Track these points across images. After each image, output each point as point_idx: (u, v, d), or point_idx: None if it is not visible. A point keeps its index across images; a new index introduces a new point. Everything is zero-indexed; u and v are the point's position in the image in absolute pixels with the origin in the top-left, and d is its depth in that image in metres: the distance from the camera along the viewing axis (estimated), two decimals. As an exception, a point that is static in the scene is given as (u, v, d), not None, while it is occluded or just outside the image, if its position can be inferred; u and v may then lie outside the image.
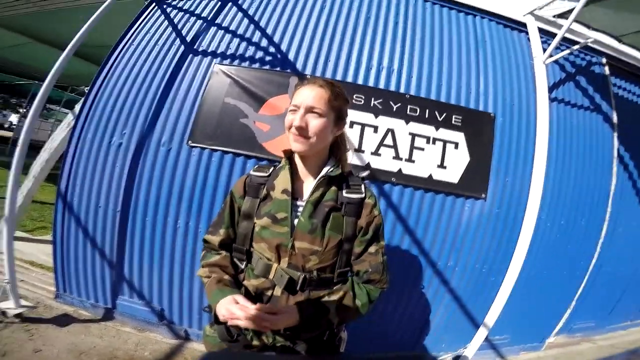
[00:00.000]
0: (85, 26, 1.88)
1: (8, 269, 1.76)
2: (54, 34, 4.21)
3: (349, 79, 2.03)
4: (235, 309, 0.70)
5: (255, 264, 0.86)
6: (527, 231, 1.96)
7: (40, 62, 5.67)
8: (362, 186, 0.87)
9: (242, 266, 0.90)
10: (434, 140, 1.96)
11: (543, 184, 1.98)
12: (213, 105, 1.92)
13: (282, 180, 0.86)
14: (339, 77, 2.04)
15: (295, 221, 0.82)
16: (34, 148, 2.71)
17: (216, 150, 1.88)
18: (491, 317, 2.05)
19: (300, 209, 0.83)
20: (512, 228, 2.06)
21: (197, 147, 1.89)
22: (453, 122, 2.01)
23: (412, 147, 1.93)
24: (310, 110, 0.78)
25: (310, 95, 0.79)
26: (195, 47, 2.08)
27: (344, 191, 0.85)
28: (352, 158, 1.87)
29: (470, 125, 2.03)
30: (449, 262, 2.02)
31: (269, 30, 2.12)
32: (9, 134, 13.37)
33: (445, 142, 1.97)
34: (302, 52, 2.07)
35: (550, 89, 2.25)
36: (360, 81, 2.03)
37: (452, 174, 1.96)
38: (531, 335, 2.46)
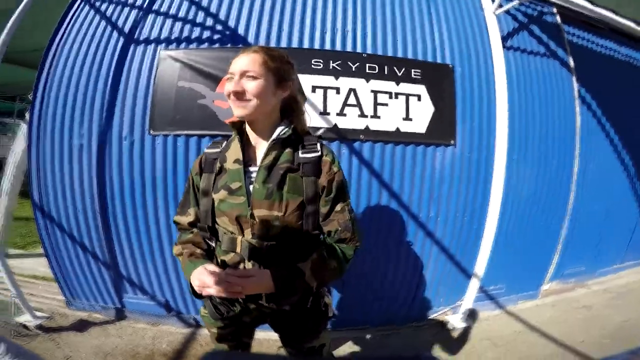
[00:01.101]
0: (7, 29, 1.78)
1: (10, 284, 1.84)
2: None
3: (306, 44, 2.01)
4: (205, 277, 0.72)
5: (222, 239, 0.85)
6: (500, 172, 2.01)
7: None
8: (318, 145, 0.85)
9: (212, 244, 0.89)
10: (396, 95, 1.97)
11: (508, 126, 2.03)
12: (167, 91, 1.87)
13: (234, 151, 0.85)
14: (295, 44, 2.01)
15: (251, 188, 0.81)
16: None
17: (179, 135, 1.85)
18: (480, 266, 2.07)
19: (254, 175, 0.81)
20: (486, 171, 2.11)
21: (159, 134, 1.85)
22: (413, 76, 2.02)
23: (376, 104, 1.94)
24: (244, 74, 0.77)
25: (243, 61, 0.78)
26: (135, 37, 1.99)
27: (299, 152, 0.83)
28: (317, 120, 1.86)
29: (430, 77, 2.05)
30: (430, 213, 2.06)
31: (212, 8, 2.03)
32: None
33: (407, 95, 1.99)
34: (252, 24, 2.01)
35: (504, 39, 2.29)
36: (316, 46, 2.01)
37: (419, 124, 1.98)
38: (525, 284, 2.50)
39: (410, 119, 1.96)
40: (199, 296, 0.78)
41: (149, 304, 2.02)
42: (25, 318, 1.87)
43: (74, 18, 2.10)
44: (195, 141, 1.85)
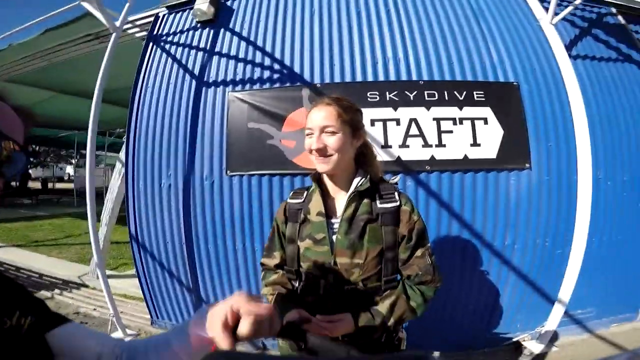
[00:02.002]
0: (101, 73, 2.07)
1: (110, 304, 2.08)
2: (72, 83, 4.56)
3: (358, 77, 2.06)
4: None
5: (306, 282, 0.91)
6: (585, 194, 1.81)
7: (71, 112, 6.20)
8: (396, 193, 0.88)
9: (296, 284, 0.96)
10: (461, 120, 1.90)
11: (590, 141, 1.84)
12: (239, 132, 2.04)
13: (315, 203, 0.90)
14: (347, 78, 2.07)
15: (334, 238, 0.86)
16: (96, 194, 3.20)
17: (253, 175, 1.99)
18: (565, 291, 1.89)
19: (336, 226, 0.87)
20: (569, 194, 1.91)
21: (235, 175, 2.02)
22: (476, 98, 1.94)
23: (440, 132, 1.89)
24: (323, 130, 0.81)
25: (320, 115, 0.82)
26: (205, 79, 2.23)
27: (377, 202, 0.87)
28: (380, 155, 1.85)
29: (495, 98, 1.95)
30: (506, 241, 1.91)
31: (268, 49, 2.21)
32: (70, 185, 15.31)
33: (472, 120, 1.90)
34: (306, 63, 2.14)
35: (568, 48, 2.13)
36: (370, 78, 2.05)
37: (488, 149, 1.87)
38: (620, 306, 2.20)
39: (479, 145, 1.86)
40: (286, 336, 0.84)
41: None
42: (118, 335, 2.07)
43: (150, 60, 2.43)
44: (267, 180, 1.98)
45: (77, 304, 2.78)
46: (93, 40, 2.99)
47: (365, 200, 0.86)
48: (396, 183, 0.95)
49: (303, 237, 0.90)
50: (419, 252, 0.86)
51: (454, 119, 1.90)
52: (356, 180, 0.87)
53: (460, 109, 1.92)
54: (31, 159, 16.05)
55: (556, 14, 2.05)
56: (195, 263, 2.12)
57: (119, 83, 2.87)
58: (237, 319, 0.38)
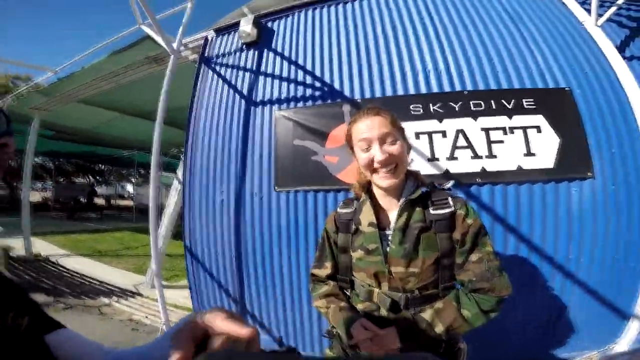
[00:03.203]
0: (163, 95, 2.27)
1: (163, 313, 2.23)
2: (133, 105, 4.97)
3: (400, 92, 2.08)
4: (363, 333, 0.80)
5: (359, 290, 0.91)
6: None
7: (132, 133, 6.78)
8: (449, 199, 0.85)
9: (348, 293, 0.96)
10: (511, 129, 1.84)
11: None
12: (285, 149, 2.15)
13: (366, 214, 0.90)
14: (388, 92, 2.10)
15: (387, 249, 0.85)
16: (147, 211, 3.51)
17: (299, 191, 2.07)
18: None
19: (390, 236, 0.86)
20: (638, 198, 1.75)
21: (282, 191, 2.11)
22: (526, 106, 1.87)
23: (490, 142, 1.84)
24: (385, 139, 0.79)
25: (374, 125, 0.79)
26: (253, 98, 2.39)
27: (430, 209, 0.84)
28: (426, 168, 1.85)
29: (547, 105, 1.86)
30: (570, 255, 1.78)
31: (309, 67, 2.33)
32: (130, 202, 16.90)
33: (524, 128, 1.83)
34: (345, 78, 2.23)
35: (620, 49, 2.00)
36: (412, 91, 2.06)
37: (544, 159, 1.79)
38: None
39: (533, 154, 1.79)
40: (352, 346, 0.84)
41: (265, 338, 2.18)
42: None
43: (202, 81, 2.64)
44: (312, 196, 2.05)
45: (131, 311, 2.98)
46: (151, 63, 3.30)
47: (418, 209, 0.85)
48: (449, 188, 0.91)
49: (355, 247, 0.90)
50: (474, 257, 0.81)
51: (503, 129, 1.84)
52: (407, 189, 0.86)
53: (510, 117, 1.86)
54: (97, 177, 17.74)
55: (599, 15, 1.96)
56: (243, 275, 2.23)
57: (173, 104, 3.12)
58: (205, 334, 0.34)
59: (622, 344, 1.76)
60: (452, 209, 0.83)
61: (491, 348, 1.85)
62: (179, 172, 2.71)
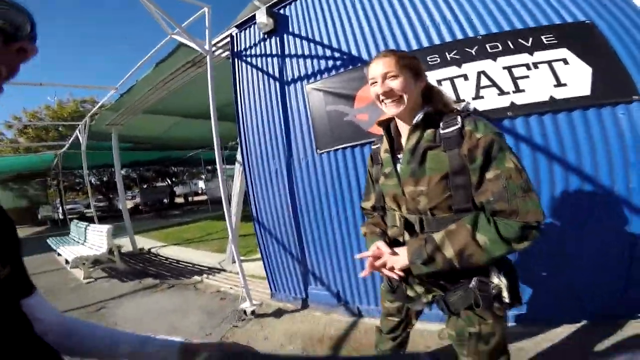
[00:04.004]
0: (211, 94, 2.59)
1: (243, 281, 2.59)
2: (187, 108, 5.27)
3: (414, 46, 2.14)
4: (370, 256, 0.91)
5: (388, 216, 1.00)
6: None
7: (194, 133, 7.33)
8: (458, 117, 0.83)
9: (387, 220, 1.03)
10: (535, 65, 1.80)
11: None
12: (320, 116, 2.40)
13: (384, 144, 0.99)
14: (403, 48, 2.15)
15: (399, 169, 0.91)
16: (219, 201, 4.12)
17: (337, 150, 2.32)
18: None
19: (401, 158, 0.92)
20: None
21: (323, 152, 2.39)
22: (546, 42, 1.80)
23: (514, 79, 1.83)
24: (385, 76, 0.85)
25: (379, 65, 0.86)
26: (285, 79, 2.64)
27: (440, 129, 0.85)
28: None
29: (569, 38, 1.77)
30: (630, 184, 1.65)
31: (326, 42, 2.49)
32: (204, 197, 19.69)
33: (549, 62, 1.77)
34: (361, 44, 2.34)
35: None
36: (425, 44, 2.10)
37: (579, 87, 1.71)
38: None
39: (565, 84, 1.73)
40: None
41: (325, 294, 2.43)
42: (246, 305, 2.54)
43: (239, 75, 2.94)
44: (350, 152, 2.28)
45: (219, 284, 3.44)
46: (192, 67, 3.63)
47: (429, 130, 0.86)
48: (462, 110, 0.87)
49: (379, 175, 1.00)
50: (490, 175, 0.75)
51: (527, 65, 1.81)
52: (418, 115, 0.88)
53: (531, 54, 1.81)
54: (174, 179, 20.36)
55: None
56: (302, 236, 2.52)
57: (222, 100, 3.26)
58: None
59: None
60: (459, 125, 0.81)
61: (563, 300, 1.75)
62: (239, 156, 3.12)
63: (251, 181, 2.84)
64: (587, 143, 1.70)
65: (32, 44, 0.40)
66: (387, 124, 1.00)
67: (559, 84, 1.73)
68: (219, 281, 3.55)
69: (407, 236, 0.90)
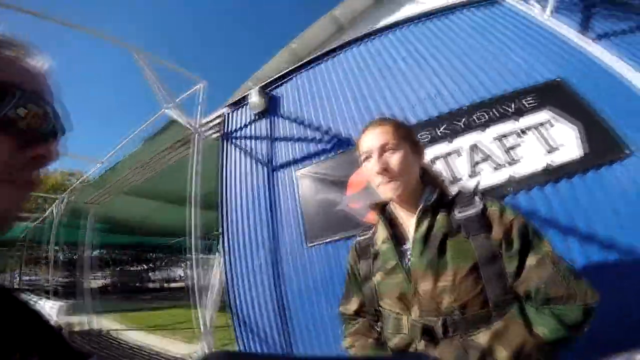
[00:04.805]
0: (194, 178, 2.55)
1: None
2: (171, 192, 5.02)
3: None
4: None
5: (387, 322, 0.79)
6: None
7: (176, 220, 6.81)
8: (476, 197, 0.75)
9: (378, 328, 0.85)
10: (523, 131, 1.83)
11: None
12: (310, 204, 2.26)
13: (381, 232, 0.82)
14: None
15: (409, 263, 0.74)
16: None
17: (329, 242, 2.13)
18: None
19: (409, 250, 0.76)
20: None
21: (314, 245, 2.18)
22: (527, 106, 1.88)
23: (507, 149, 1.82)
24: (383, 149, 0.74)
25: (375, 136, 0.76)
26: (274, 163, 2.59)
27: (455, 212, 0.74)
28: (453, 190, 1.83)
29: (546, 99, 1.87)
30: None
31: (316, 123, 2.54)
32: (181, 284, 17.98)
33: (535, 126, 1.81)
34: (350, 125, 2.40)
35: (582, 32, 2.08)
36: (413, 121, 2.17)
37: (570, 150, 1.71)
38: None
39: (557, 148, 1.73)
40: None
41: None
42: None
43: (226, 159, 2.86)
44: (343, 243, 2.09)
45: None
46: (181, 147, 3.50)
47: (441, 215, 0.74)
48: (474, 190, 0.79)
49: (375, 271, 0.81)
50: (532, 260, 0.66)
51: (515, 132, 1.83)
52: (424, 197, 0.76)
53: (517, 120, 1.86)
54: (150, 265, 19.28)
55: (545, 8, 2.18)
56: (289, 331, 2.21)
57: (210, 187, 3.05)
58: None
59: None
60: (481, 206, 0.72)
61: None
62: (220, 247, 2.91)
63: (232, 274, 2.54)
64: (594, 208, 1.62)
65: (54, 145, 0.32)
66: (382, 207, 0.86)
67: (551, 148, 1.73)
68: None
69: (421, 344, 0.71)
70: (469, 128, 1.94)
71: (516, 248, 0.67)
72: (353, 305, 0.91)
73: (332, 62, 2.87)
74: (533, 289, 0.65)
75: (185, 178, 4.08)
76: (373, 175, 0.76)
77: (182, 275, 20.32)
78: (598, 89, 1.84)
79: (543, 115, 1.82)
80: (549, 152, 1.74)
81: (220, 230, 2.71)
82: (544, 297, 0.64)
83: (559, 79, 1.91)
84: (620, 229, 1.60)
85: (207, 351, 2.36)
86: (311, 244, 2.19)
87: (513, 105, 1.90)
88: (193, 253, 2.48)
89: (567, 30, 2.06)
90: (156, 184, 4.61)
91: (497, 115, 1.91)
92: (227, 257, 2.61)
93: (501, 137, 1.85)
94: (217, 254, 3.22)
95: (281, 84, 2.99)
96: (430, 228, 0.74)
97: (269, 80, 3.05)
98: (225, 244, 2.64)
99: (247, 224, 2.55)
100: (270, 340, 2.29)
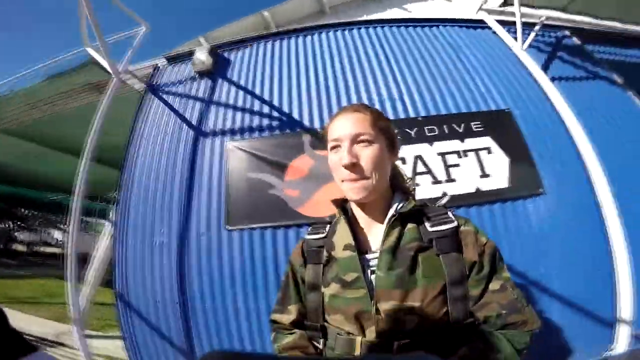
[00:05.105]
0: (95, 126, 2.05)
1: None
2: (66, 139, 4.30)
3: None
4: None
5: (334, 341, 0.69)
6: (610, 209, 1.77)
7: (62, 173, 5.63)
8: (449, 213, 0.68)
9: (320, 345, 0.73)
10: (465, 152, 1.90)
11: (598, 156, 1.87)
12: (238, 183, 1.96)
13: (342, 235, 0.71)
14: None
15: (372, 278, 0.65)
16: (81, 260, 3.13)
17: (255, 229, 1.86)
18: (625, 310, 1.73)
19: (374, 262, 0.66)
20: (591, 212, 1.83)
21: (235, 229, 1.88)
22: (474, 129, 1.97)
23: (447, 167, 1.86)
24: (356, 139, 0.64)
25: (349, 122, 0.65)
26: (203, 129, 2.22)
27: (427, 225, 0.67)
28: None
29: (492, 126, 1.98)
30: (541, 269, 1.77)
31: (267, 97, 2.27)
32: (56, 249, 14.80)
33: (476, 150, 1.90)
34: (304, 108, 2.19)
35: (544, 70, 2.28)
36: None
37: (499, 179, 1.84)
38: None
39: (488, 175, 1.83)
40: None
41: None
42: None
43: (146, 113, 2.41)
44: (271, 233, 1.85)
45: None
46: (92, 90, 2.92)
47: (410, 225, 0.67)
48: (445, 205, 0.74)
49: (328, 281, 0.70)
50: (495, 285, 0.64)
51: (458, 152, 1.89)
52: (395, 203, 0.68)
53: (462, 141, 1.93)
54: (19, 223, 15.52)
55: (523, 41, 2.30)
56: (191, 324, 1.90)
57: (116, 141, 2.70)
58: None
59: (619, 347, 1.73)
60: (455, 223, 0.66)
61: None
62: (112, 213, 2.37)
63: (122, 250, 2.08)
64: (503, 235, 1.77)
65: None
66: (343, 206, 0.74)
67: (483, 174, 1.83)
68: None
69: None
70: (418, 139, 1.94)
71: (485, 272, 0.64)
72: (290, 315, 0.77)
73: (301, 41, 2.63)
74: (494, 313, 0.63)
75: (84, 127, 3.36)
76: (338, 168, 0.65)
77: (60, 239, 17.07)
78: (537, 126, 2.02)
79: (485, 141, 1.92)
80: (481, 177, 1.84)
81: (117, 193, 2.19)
82: (503, 322, 0.62)
83: (507, 110, 2.05)
84: (521, 260, 1.77)
85: (78, 334, 1.90)
86: (231, 228, 1.88)
87: (463, 126, 1.96)
88: (73, 212, 1.93)
89: (532, 66, 2.21)
90: (50, 127, 3.81)
91: (446, 132, 1.94)
92: (120, 226, 2.11)
93: (444, 154, 1.89)
94: (107, 221, 2.66)
95: (237, 48, 2.64)
96: (399, 239, 0.66)
97: (224, 41, 2.68)
98: (121, 211, 2.13)
99: (154, 191, 2.10)
100: (164, 330, 1.93)
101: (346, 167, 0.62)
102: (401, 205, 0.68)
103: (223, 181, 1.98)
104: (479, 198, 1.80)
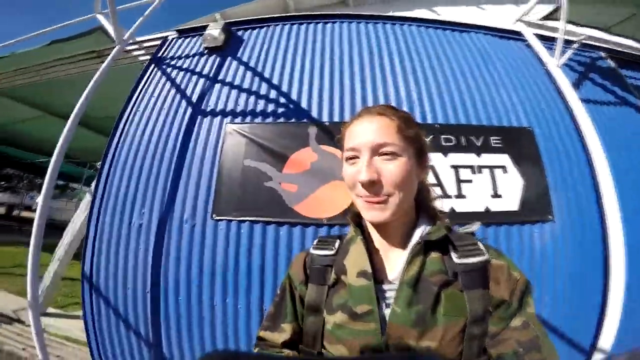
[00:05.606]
0: (87, 91, 1.89)
1: (38, 344, 1.68)
2: (64, 104, 4.11)
3: None
4: None
5: None
6: (618, 247, 1.67)
7: (55, 137, 5.60)
8: (480, 244, 0.59)
9: None
10: (479, 168, 1.78)
11: (615, 187, 1.76)
12: (232, 170, 1.81)
13: (356, 259, 0.61)
14: None
15: (387, 312, 0.56)
16: (60, 228, 2.85)
17: (244, 221, 1.71)
18: (606, 339, 1.67)
19: (390, 294, 0.58)
20: (601, 243, 1.75)
21: (222, 219, 1.72)
22: (493, 144, 1.85)
23: (459, 181, 1.74)
24: (378, 150, 0.54)
25: (371, 128, 0.55)
26: (202, 107, 2.06)
27: (453, 256, 0.58)
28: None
29: (512, 144, 1.87)
30: (545, 297, 1.68)
31: (275, 81, 2.13)
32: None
33: (491, 168, 1.79)
34: (314, 99, 2.04)
35: (575, 89, 2.13)
36: None
37: (510, 201, 1.73)
38: None
39: (500, 196, 1.72)
40: None
41: None
42: None
43: (146, 84, 2.26)
44: (261, 228, 1.70)
45: (3, 340, 2.40)
46: (95, 59, 2.78)
47: (434, 255, 0.58)
48: (473, 233, 0.63)
49: (334, 307, 0.61)
50: (517, 322, 0.56)
51: (472, 167, 1.77)
52: (421, 227, 0.60)
53: (479, 155, 1.81)
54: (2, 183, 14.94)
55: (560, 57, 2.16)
56: (160, 315, 1.76)
57: (114, 110, 2.57)
58: None
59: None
60: (485, 256, 0.57)
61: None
62: (93, 185, 2.19)
63: (97, 226, 1.91)
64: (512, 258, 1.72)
65: None
66: (358, 221, 0.64)
67: (495, 194, 1.72)
68: (7, 336, 2.55)
69: None
70: (432, 147, 1.81)
71: (513, 309, 0.56)
72: (282, 335, 0.67)
73: (320, 28, 2.47)
74: (510, 351, 0.54)
75: (79, 93, 3.23)
76: (354, 183, 0.56)
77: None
78: (557, 150, 1.91)
79: (502, 158, 1.81)
80: (492, 197, 1.73)
81: (101, 163, 2.01)
82: None
83: (529, 128, 1.93)
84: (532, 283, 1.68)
85: (35, 311, 1.71)
86: (218, 217, 1.73)
87: (482, 139, 1.84)
88: (47, 176, 1.76)
89: (565, 85, 2.08)
90: (46, 92, 3.68)
91: (463, 144, 1.82)
92: (97, 200, 1.94)
93: (458, 167, 1.77)
94: (87, 194, 2.49)
95: (253, 28, 2.49)
96: (421, 270, 0.57)
97: (241, 19, 2.53)
98: (102, 184, 1.96)
99: (139, 168, 1.93)
100: (131, 318, 1.78)
101: (363, 184, 0.53)
102: (427, 231, 0.59)
103: (216, 165, 1.83)
104: (488, 218, 1.69)
